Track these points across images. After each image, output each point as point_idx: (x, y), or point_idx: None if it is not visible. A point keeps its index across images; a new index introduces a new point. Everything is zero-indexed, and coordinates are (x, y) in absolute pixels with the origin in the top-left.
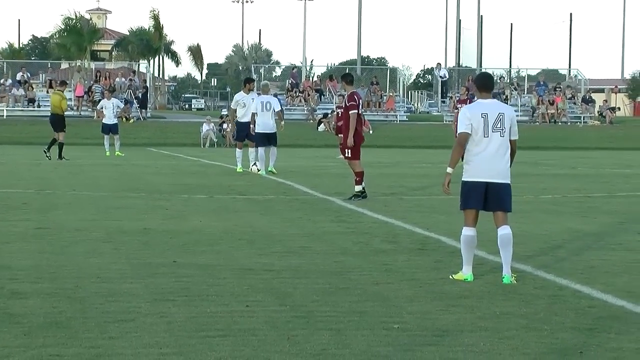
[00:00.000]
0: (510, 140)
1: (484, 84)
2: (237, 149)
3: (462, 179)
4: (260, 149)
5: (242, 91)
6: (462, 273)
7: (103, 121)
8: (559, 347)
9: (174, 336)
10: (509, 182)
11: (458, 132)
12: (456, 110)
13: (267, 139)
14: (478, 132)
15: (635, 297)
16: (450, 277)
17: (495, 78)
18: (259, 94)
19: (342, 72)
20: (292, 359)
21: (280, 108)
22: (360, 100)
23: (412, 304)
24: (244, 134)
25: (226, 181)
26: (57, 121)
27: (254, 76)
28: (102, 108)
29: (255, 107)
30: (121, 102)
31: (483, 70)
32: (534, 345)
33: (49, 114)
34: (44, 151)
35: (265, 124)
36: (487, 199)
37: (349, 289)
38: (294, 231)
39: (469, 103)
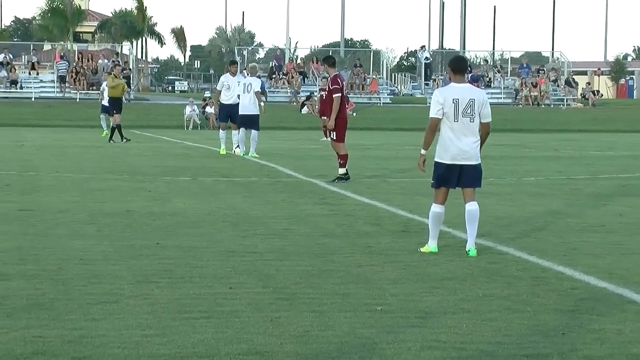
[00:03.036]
0: (482, 123)
1: (458, 67)
2: (220, 130)
3: (435, 160)
4: (240, 131)
5: (228, 73)
6: (428, 246)
7: (103, 103)
8: (541, 328)
9: (157, 318)
10: (479, 162)
11: (430, 116)
12: None
13: (246, 122)
14: (449, 117)
15: (617, 279)
16: (419, 250)
17: (478, 60)
18: (245, 76)
19: (325, 54)
20: (275, 340)
21: (259, 89)
22: (344, 83)
23: (395, 285)
24: (228, 115)
25: (209, 163)
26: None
27: (237, 58)
28: (103, 90)
29: (239, 89)
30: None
31: (467, 54)
32: (516, 327)
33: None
34: (126, 138)
35: (244, 105)
36: (458, 178)
37: (332, 271)
38: (277, 213)
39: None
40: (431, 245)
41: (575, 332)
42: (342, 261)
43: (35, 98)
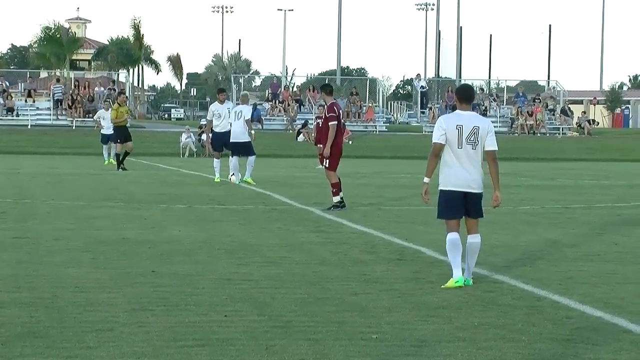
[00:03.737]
0: (487, 151)
1: (465, 95)
2: (214, 159)
3: (439, 188)
4: (234, 158)
5: (216, 102)
6: (453, 279)
7: (102, 132)
8: (536, 357)
9: (152, 346)
10: (482, 191)
11: (432, 142)
12: None
13: (240, 149)
14: (452, 144)
15: (613, 308)
16: (442, 287)
17: (475, 89)
18: (237, 104)
19: (321, 82)
20: None
21: (249, 117)
22: (340, 111)
23: (390, 314)
24: (221, 143)
25: (205, 191)
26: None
27: (234, 86)
28: (99, 118)
29: (231, 117)
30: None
31: (463, 82)
32: (511, 356)
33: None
34: (123, 167)
35: (235, 133)
36: (464, 206)
37: (327, 299)
38: (273, 241)
39: None
40: (456, 276)
41: None
42: (337, 289)
43: (31, 125)
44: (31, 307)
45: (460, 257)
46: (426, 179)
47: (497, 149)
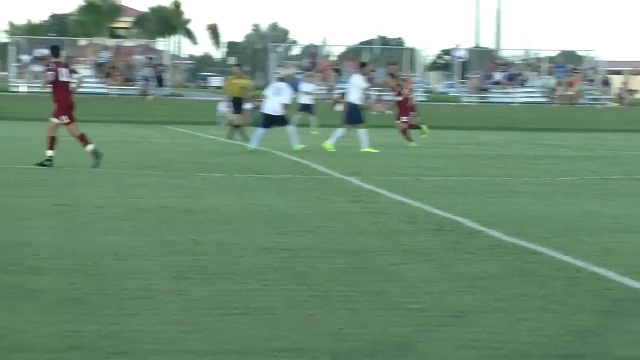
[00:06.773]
0: None
1: None
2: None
3: None
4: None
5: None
6: None
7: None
8: (576, 329)
9: (192, 314)
10: None
11: None
12: None
13: (275, 121)
14: None
15: None
16: None
17: (513, 59)
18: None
19: (359, 52)
20: (310, 337)
21: (287, 101)
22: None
23: (429, 284)
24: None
25: (243, 160)
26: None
27: (271, 55)
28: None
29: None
30: None
31: (502, 51)
32: (551, 327)
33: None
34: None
35: (271, 106)
36: None
37: (366, 269)
38: (311, 210)
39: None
40: None
41: (610, 333)
42: (376, 259)
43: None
44: (71, 274)
45: None
46: None
47: None
